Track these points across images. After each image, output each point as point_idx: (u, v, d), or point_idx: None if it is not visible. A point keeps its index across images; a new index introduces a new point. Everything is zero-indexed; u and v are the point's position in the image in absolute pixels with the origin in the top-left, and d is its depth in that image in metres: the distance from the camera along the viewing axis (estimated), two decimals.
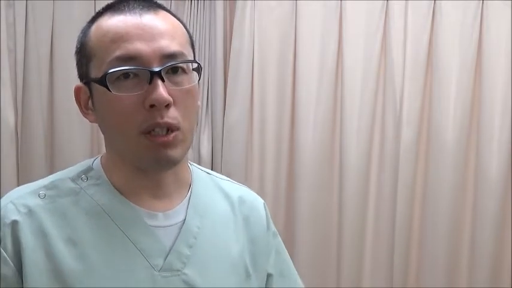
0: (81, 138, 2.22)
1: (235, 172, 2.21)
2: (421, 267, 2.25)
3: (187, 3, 2.21)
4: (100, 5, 2.25)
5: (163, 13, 0.82)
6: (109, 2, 0.84)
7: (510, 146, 2.17)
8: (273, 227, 1.00)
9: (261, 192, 2.21)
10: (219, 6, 2.21)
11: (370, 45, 2.20)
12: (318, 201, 2.23)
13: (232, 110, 2.23)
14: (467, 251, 2.23)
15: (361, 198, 2.23)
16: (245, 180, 2.22)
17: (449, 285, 2.22)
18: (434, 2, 2.18)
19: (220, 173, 2.24)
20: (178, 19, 0.84)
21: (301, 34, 2.20)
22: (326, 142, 2.24)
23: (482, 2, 2.16)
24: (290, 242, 2.24)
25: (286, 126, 2.25)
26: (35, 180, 0.86)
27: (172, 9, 2.02)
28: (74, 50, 0.84)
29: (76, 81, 0.77)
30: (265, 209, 0.99)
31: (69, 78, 2.17)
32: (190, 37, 0.85)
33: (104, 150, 0.87)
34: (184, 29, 0.84)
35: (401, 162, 2.18)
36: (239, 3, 2.21)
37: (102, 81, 0.76)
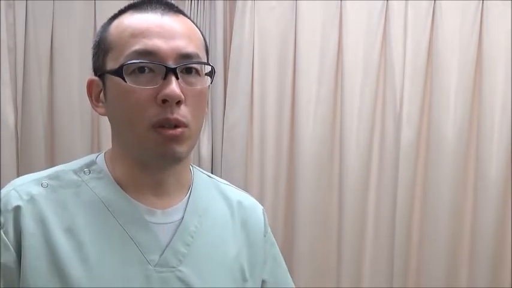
0: (81, 138, 2.22)
1: (235, 172, 2.22)
2: (421, 267, 2.25)
3: (187, 3, 2.21)
4: (100, 5, 2.25)
5: (182, 17, 0.85)
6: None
7: (510, 146, 2.17)
8: (271, 236, 1.01)
9: (260, 192, 2.22)
10: (219, 6, 2.21)
11: (370, 45, 2.20)
12: (318, 201, 2.23)
13: (232, 110, 2.24)
14: (467, 251, 2.24)
15: (361, 198, 2.23)
16: (245, 180, 2.23)
17: (449, 285, 2.22)
18: (434, 2, 2.18)
19: (220, 172, 2.25)
20: (196, 25, 0.88)
21: (301, 34, 2.20)
22: (326, 142, 2.24)
23: (482, 2, 2.16)
24: (290, 242, 2.24)
25: (286, 126, 2.25)
26: None
27: None
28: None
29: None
30: (264, 215, 1.01)
31: (69, 78, 2.17)
32: (206, 43, 0.88)
33: (104, 149, 0.88)
34: (201, 35, 0.87)
35: (401, 162, 2.18)
36: (239, 3, 2.21)
37: (119, 72, 0.79)
